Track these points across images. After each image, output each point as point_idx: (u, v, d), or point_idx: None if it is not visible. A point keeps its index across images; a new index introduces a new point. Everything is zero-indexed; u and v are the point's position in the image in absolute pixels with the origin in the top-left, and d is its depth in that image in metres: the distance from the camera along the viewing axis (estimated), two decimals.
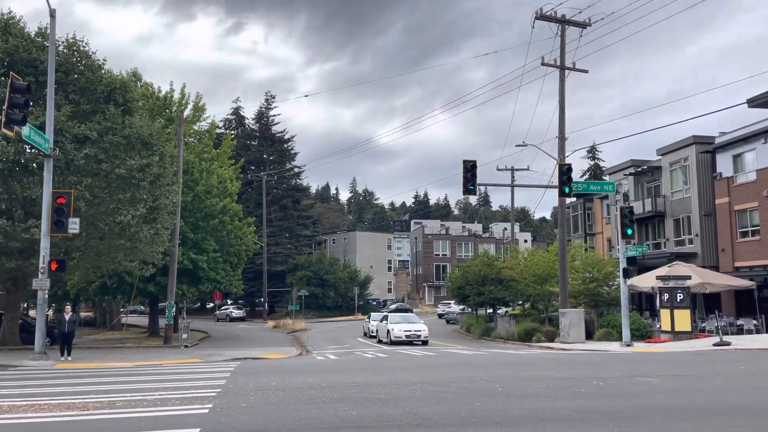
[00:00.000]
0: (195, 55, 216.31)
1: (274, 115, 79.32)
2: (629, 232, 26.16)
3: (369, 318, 38.65)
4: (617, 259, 29.17)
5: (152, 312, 40.13)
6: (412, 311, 52.24)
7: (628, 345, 25.02)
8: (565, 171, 25.62)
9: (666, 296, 26.88)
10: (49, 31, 22.29)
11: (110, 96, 25.33)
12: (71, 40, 25.11)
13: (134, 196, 24.39)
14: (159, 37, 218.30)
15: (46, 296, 21.45)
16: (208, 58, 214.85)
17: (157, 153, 25.29)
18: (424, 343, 31.14)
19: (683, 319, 26.69)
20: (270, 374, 15.66)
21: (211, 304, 69.34)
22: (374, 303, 74.55)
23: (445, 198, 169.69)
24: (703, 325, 29.94)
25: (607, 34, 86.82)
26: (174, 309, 32.12)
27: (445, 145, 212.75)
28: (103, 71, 25.68)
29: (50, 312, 36.73)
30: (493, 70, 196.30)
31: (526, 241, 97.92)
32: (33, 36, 24.69)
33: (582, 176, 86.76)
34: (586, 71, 31.07)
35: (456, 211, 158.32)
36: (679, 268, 29.79)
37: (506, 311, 43.50)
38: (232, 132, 72.73)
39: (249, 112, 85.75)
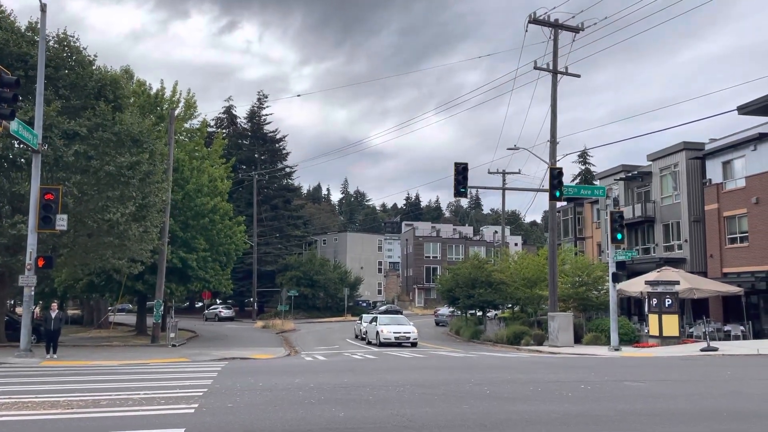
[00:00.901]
0: (188, 53, 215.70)
1: (267, 115, 79.17)
2: (619, 236, 26.26)
3: (361, 319, 38.58)
4: (607, 263, 29.27)
5: (140, 310, 39.87)
6: (401, 313, 52.22)
7: (617, 349, 25.10)
8: (556, 175, 25.67)
9: (654, 301, 26.99)
10: (39, 25, 22.10)
11: (101, 92, 25.14)
12: (62, 36, 24.90)
13: (123, 194, 24.21)
14: (152, 34, 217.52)
15: (33, 293, 21.23)
16: (202, 56, 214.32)
17: (148, 150, 25.12)
18: (413, 345, 31.11)
19: (671, 324, 26.81)
20: (257, 374, 15.56)
21: (200, 304, 69.00)
22: (364, 304, 74.46)
23: (437, 200, 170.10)
24: (690, 330, 30.09)
25: (600, 40, 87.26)
26: (162, 308, 31.93)
27: (437, 148, 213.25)
28: (93, 67, 25.48)
29: (37, 309, 36.42)
30: (486, 73, 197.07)
31: (516, 244, 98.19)
32: (23, 30, 24.47)
33: (573, 180, 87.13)
34: (578, 76, 31.20)
35: (447, 214, 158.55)
36: (668, 273, 29.93)
37: (496, 314, 43.56)
38: (224, 131, 72.44)
39: (241, 111, 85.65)
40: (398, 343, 31.08)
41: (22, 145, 21.92)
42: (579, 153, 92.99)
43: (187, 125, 39.21)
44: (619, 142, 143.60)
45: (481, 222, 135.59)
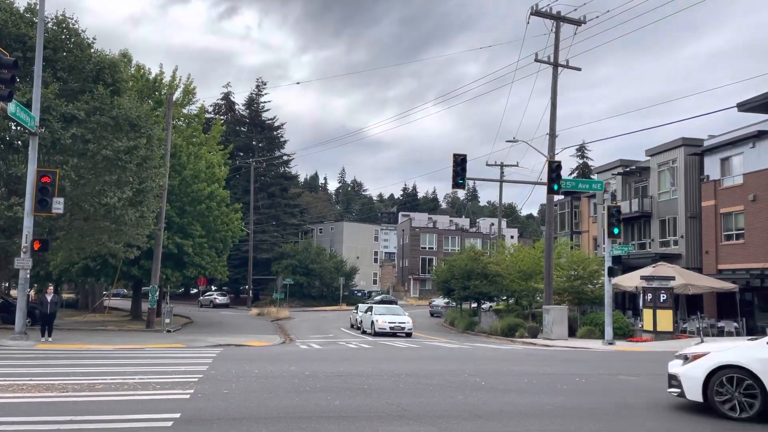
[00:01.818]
0: (187, 37, 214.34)
1: (265, 102, 78.79)
2: (616, 231, 26.30)
3: (357, 309, 38.60)
4: (602, 257, 29.33)
5: (135, 296, 39.83)
6: (396, 303, 52.31)
7: (611, 343, 25.21)
8: (554, 168, 25.65)
9: (649, 296, 27.08)
10: (38, 6, 21.90)
11: (99, 75, 24.96)
12: (60, 17, 24.69)
13: (120, 178, 24.11)
14: (151, 18, 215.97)
15: (28, 276, 21.17)
16: (201, 41, 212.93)
17: (145, 135, 24.98)
18: (408, 335, 31.19)
19: (665, 319, 26.92)
20: (252, 362, 15.58)
21: (195, 290, 68.94)
22: (359, 294, 74.56)
23: (434, 191, 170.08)
24: (684, 325, 30.21)
25: (601, 33, 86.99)
26: (157, 293, 31.88)
27: (435, 139, 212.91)
28: (92, 50, 25.28)
29: (32, 292, 36.34)
30: (487, 65, 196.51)
31: (512, 237, 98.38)
32: (22, 12, 24.25)
33: (570, 174, 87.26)
34: (579, 69, 31.08)
35: (444, 205, 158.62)
36: (663, 268, 30.01)
37: (490, 306, 43.66)
38: (222, 117, 72.09)
39: (239, 98, 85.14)
40: (393, 333, 31.15)
41: (19, 127, 21.76)
42: (577, 147, 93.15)
43: (185, 111, 39.00)
44: (618, 137, 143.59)
45: (478, 214, 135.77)
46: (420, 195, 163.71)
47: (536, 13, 29.76)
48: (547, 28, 30.34)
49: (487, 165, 47.93)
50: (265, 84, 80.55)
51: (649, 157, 39.15)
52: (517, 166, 61.25)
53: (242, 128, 76.95)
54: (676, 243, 36.41)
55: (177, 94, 36.77)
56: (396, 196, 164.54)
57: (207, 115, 52.54)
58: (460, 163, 24.91)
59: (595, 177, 49.23)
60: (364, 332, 33.37)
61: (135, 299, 39.58)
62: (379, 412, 9.06)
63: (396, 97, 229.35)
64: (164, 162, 29.10)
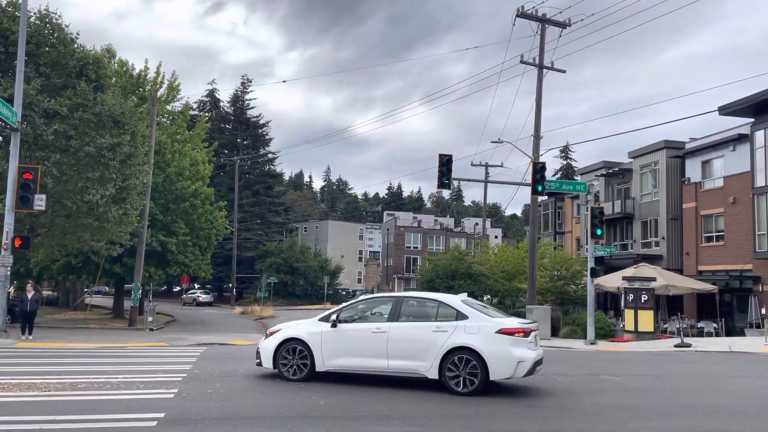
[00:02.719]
0: (172, 33, 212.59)
1: (250, 99, 78.63)
2: (598, 232, 26.52)
3: None
4: (585, 258, 29.58)
5: (117, 293, 39.48)
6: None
7: (593, 343, 25.43)
8: (538, 169, 25.80)
9: (631, 297, 27.38)
10: (20, 0, 21.62)
11: (82, 71, 24.69)
12: (44, 12, 24.39)
13: (103, 175, 23.86)
14: (135, 13, 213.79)
15: (8, 273, 20.91)
16: (186, 37, 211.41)
17: (129, 132, 24.74)
18: None
19: (646, 319, 27.22)
20: (237, 361, 15.53)
21: (178, 288, 68.47)
22: (344, 293, 74.52)
23: (419, 191, 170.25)
24: (665, 326, 30.59)
25: (586, 36, 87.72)
26: (140, 291, 31.63)
27: (421, 138, 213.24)
28: (75, 45, 24.99)
29: (11, 289, 35.85)
30: (473, 65, 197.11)
31: (496, 236, 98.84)
32: (4, 5, 23.92)
33: (554, 175, 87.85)
34: (563, 71, 31.28)
35: (429, 205, 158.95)
36: (645, 269, 30.35)
37: None
38: (206, 114, 71.67)
39: (224, 95, 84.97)
40: None
41: (0, 123, 21.50)
42: (561, 148, 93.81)
43: (169, 107, 38.70)
44: (601, 139, 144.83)
45: (463, 214, 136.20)
46: (405, 194, 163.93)
47: (522, 15, 29.91)
48: (533, 30, 30.51)
49: (472, 165, 48.11)
50: (250, 81, 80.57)
51: (631, 159, 39.57)
52: (501, 166, 61.68)
53: (227, 125, 76.57)
54: (657, 244, 36.85)
55: (161, 91, 36.49)
56: (381, 195, 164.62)
57: (191, 112, 52.22)
58: (445, 163, 24.98)
59: (578, 178, 49.61)
60: None
61: (117, 297, 39.23)
62: (364, 410, 9.09)
63: (383, 96, 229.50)
64: (148, 159, 28.85)
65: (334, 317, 11.72)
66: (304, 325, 12.04)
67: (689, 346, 23.20)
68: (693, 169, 34.75)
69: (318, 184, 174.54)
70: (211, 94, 78.84)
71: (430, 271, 42.46)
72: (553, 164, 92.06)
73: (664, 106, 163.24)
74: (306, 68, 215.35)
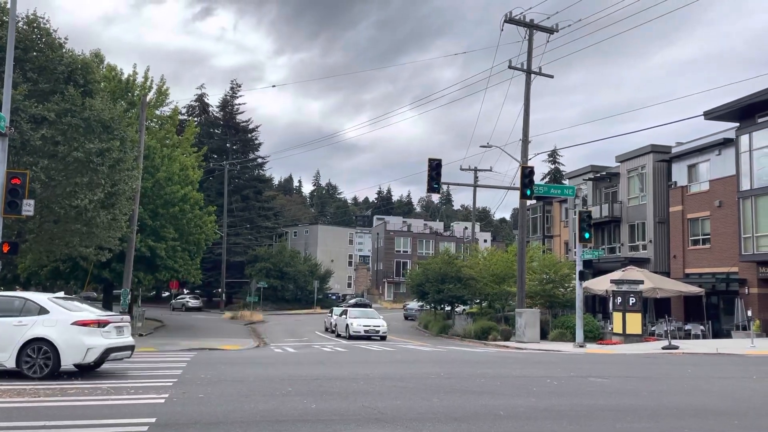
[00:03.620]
0: (161, 38, 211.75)
1: (240, 104, 78.35)
2: (587, 235, 26.75)
3: (332, 312, 38.55)
4: (574, 261, 29.82)
5: (106, 299, 39.20)
6: (371, 306, 52.37)
7: (581, 346, 25.62)
8: (527, 173, 26.02)
9: (619, 299, 27.61)
10: (8, 5, 21.51)
11: (70, 76, 24.55)
12: (31, 17, 24.24)
13: (92, 181, 23.73)
14: (124, 17, 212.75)
15: None
16: (175, 42, 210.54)
17: (118, 137, 24.63)
18: (383, 338, 31.29)
19: (634, 322, 27.47)
20: (227, 365, 15.53)
21: (167, 293, 68.12)
22: (334, 297, 74.45)
23: (408, 195, 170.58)
24: (653, 328, 30.87)
25: (574, 41, 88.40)
26: (129, 296, 31.47)
27: (410, 143, 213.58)
28: (64, 50, 24.86)
29: None
30: (462, 70, 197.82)
31: (485, 240, 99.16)
32: None
33: (542, 179, 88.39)
34: (551, 76, 31.60)
35: (418, 209, 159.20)
36: (633, 272, 30.63)
37: (464, 309, 43.96)
38: (196, 119, 71.39)
39: (214, 100, 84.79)
40: (368, 336, 31.22)
41: None
42: (549, 152, 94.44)
43: (158, 112, 38.59)
44: (589, 143, 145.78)
45: (452, 218, 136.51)
46: (395, 198, 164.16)
47: (510, 20, 30.18)
48: (521, 36, 30.80)
49: (462, 169, 48.33)
50: (239, 86, 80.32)
51: (619, 163, 39.92)
52: (490, 170, 61.67)
53: (216, 130, 76.41)
54: (644, 247, 37.17)
55: (150, 95, 36.39)
56: (371, 200, 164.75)
57: (180, 117, 52.03)
58: (435, 167, 25.13)
59: (566, 182, 49.94)
60: (338, 335, 33.39)
61: (105, 302, 38.89)
62: (355, 415, 9.14)
63: (372, 100, 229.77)
64: (137, 164, 28.76)
65: None
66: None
67: (677, 348, 23.43)
68: (679, 173, 35.12)
69: (308, 188, 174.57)
70: (201, 98, 78.63)
71: (419, 275, 42.56)
72: (541, 168, 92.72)
73: (651, 110, 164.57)
74: (295, 73, 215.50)
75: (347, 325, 32.06)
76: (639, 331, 27.54)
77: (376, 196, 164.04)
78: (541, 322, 29.79)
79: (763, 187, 28.78)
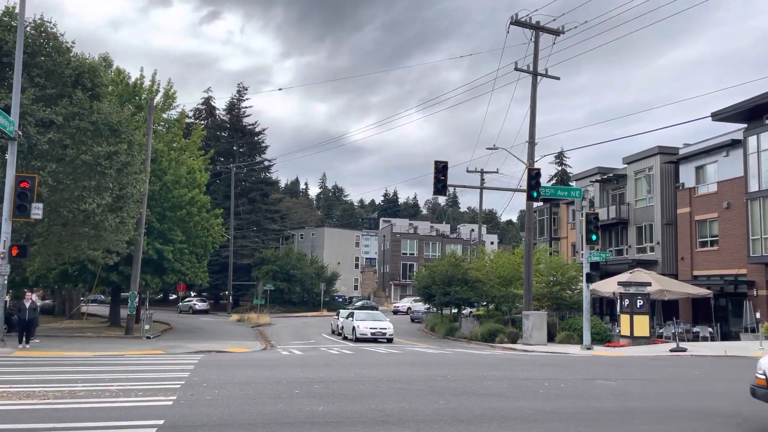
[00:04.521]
0: (168, 41, 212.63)
1: (246, 107, 78.59)
2: (594, 237, 26.69)
3: (338, 315, 38.56)
4: (581, 263, 29.74)
5: (114, 302, 39.39)
6: (377, 309, 52.34)
7: (589, 348, 25.54)
8: (534, 175, 25.98)
9: (626, 302, 27.51)
10: (17, 10, 21.70)
11: (78, 80, 24.72)
12: (38, 21, 24.43)
13: (100, 184, 23.87)
14: (132, 21, 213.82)
15: (6, 282, 20.93)
16: (182, 45, 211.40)
17: (126, 141, 24.79)
18: (389, 341, 31.27)
19: (642, 324, 27.36)
20: (234, 368, 15.58)
21: (174, 296, 68.30)
22: (340, 300, 74.43)
23: (414, 197, 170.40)
24: (660, 331, 30.74)
25: (580, 43, 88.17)
26: (137, 299, 31.62)
27: (416, 145, 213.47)
28: (71, 54, 25.04)
29: (7, 298, 35.77)
30: (468, 72, 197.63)
31: (492, 243, 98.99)
32: (0, 16, 23.97)
33: (549, 181, 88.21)
34: (557, 78, 31.53)
35: (425, 211, 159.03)
36: (640, 274, 30.52)
37: (471, 312, 43.91)
38: (202, 122, 71.71)
39: (220, 103, 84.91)
40: (374, 339, 31.22)
41: None
42: (556, 154, 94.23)
43: (165, 115, 38.77)
44: (596, 145, 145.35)
45: (458, 220, 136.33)
46: (401, 201, 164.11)
47: (516, 22, 30.16)
48: (527, 38, 30.76)
49: (468, 171, 48.31)
50: (246, 89, 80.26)
51: (626, 165, 39.79)
52: (497, 172, 61.52)
53: (223, 133, 76.66)
54: (652, 249, 37.03)
55: (157, 99, 36.57)
56: (377, 202, 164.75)
57: (187, 120, 52.27)
58: (441, 170, 25.13)
59: (573, 184, 49.86)
60: (345, 338, 33.40)
61: (113, 305, 39.14)
62: (362, 417, 9.15)
63: (379, 103, 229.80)
64: (145, 168, 28.91)
65: None
66: None
67: (685, 350, 23.33)
68: (687, 175, 34.98)
69: (314, 191, 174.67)
70: (207, 101, 78.94)
71: (426, 277, 42.55)
72: (548, 170, 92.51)
73: (658, 111, 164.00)
74: (302, 76, 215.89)
75: (354, 327, 32.07)
76: (647, 334, 27.43)
77: (383, 198, 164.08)
78: (548, 325, 29.71)
79: None
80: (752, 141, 29.78)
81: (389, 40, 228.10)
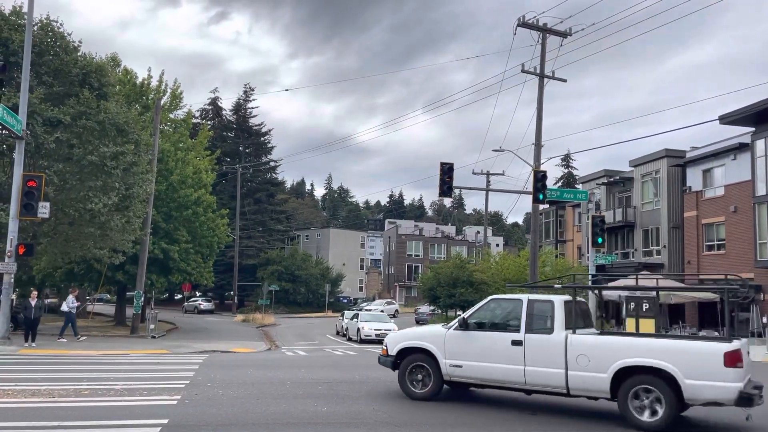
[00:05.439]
0: (176, 42, 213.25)
1: (253, 108, 78.80)
2: (600, 240, 26.60)
3: (343, 316, 38.56)
4: (587, 266, 29.65)
5: (119, 301, 39.53)
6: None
7: None
8: (540, 178, 25.92)
9: (632, 305, 27.38)
10: (26, 9, 21.81)
11: (85, 79, 24.79)
12: (45, 21, 24.52)
13: (106, 184, 23.94)
14: (140, 21, 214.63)
15: (12, 280, 21.02)
16: (189, 45, 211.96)
17: (133, 141, 24.86)
18: None
19: (648, 328, 27.17)
20: (239, 368, 15.59)
21: (179, 296, 68.48)
22: (345, 301, 74.42)
23: (420, 199, 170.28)
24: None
25: (587, 45, 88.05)
26: (142, 299, 31.69)
27: (422, 146, 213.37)
28: (78, 54, 25.12)
29: (14, 296, 35.94)
30: (475, 74, 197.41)
31: (498, 245, 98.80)
32: (7, 15, 24.08)
33: (555, 183, 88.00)
34: (564, 80, 31.40)
35: (430, 213, 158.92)
36: (646, 278, 30.34)
37: None
38: (209, 122, 71.94)
39: (227, 104, 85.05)
40: (379, 340, 31.09)
41: (4, 131, 21.63)
42: (562, 157, 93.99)
43: (172, 116, 38.87)
44: (603, 148, 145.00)
45: (464, 222, 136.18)
46: (406, 202, 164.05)
47: (523, 24, 30.07)
48: (534, 40, 30.66)
49: (474, 173, 48.26)
50: (253, 90, 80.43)
51: (632, 168, 39.66)
52: (503, 174, 61.65)
53: (229, 134, 76.83)
54: (658, 253, 36.87)
55: (164, 99, 36.68)
56: (383, 203, 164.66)
57: (194, 120, 52.42)
58: (447, 171, 25.09)
59: (579, 187, 49.73)
60: (350, 339, 33.37)
61: (119, 305, 39.27)
62: (366, 418, 9.14)
63: (385, 104, 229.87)
64: (151, 167, 28.99)
65: None
66: None
67: None
68: (694, 178, 34.83)
69: (319, 192, 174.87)
70: (214, 102, 79.17)
71: (431, 279, 42.56)
72: (554, 173, 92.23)
73: (666, 114, 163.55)
74: (309, 76, 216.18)
75: (358, 328, 32.04)
76: None
77: (388, 199, 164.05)
78: None
79: None
80: (760, 144, 29.63)
81: (396, 41, 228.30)
